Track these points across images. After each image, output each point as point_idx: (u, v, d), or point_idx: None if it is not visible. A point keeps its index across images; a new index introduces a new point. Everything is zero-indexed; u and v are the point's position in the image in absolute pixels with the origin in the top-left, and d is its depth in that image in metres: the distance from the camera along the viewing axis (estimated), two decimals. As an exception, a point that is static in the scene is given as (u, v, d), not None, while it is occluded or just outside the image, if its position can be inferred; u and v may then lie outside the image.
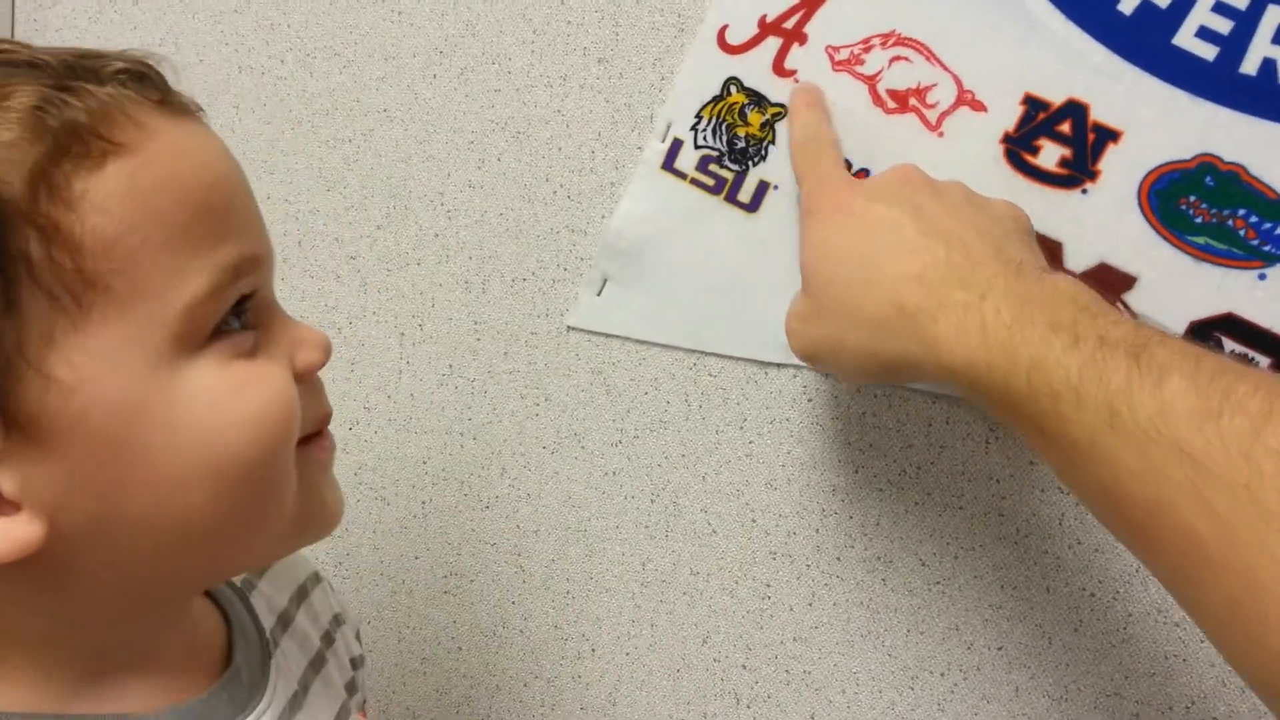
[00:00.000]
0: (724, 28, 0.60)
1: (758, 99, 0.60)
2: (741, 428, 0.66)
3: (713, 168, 0.62)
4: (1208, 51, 0.54)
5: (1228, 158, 0.55)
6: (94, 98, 0.36)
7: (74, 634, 0.40)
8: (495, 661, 0.72)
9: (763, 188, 0.61)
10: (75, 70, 0.37)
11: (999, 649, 0.65)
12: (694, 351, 0.65)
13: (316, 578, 0.59)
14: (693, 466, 0.67)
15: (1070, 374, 0.42)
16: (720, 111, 0.61)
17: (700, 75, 0.61)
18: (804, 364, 0.57)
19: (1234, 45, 0.54)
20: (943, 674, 0.66)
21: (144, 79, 0.39)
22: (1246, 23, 0.53)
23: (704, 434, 0.66)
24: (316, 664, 0.53)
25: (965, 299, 0.47)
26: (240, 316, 0.39)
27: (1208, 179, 0.55)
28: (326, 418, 0.45)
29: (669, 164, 0.62)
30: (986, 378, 0.45)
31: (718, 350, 0.65)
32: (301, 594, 0.56)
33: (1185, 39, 0.54)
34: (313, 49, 0.67)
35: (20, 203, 0.33)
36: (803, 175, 0.59)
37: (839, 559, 0.66)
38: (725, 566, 0.68)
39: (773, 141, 0.61)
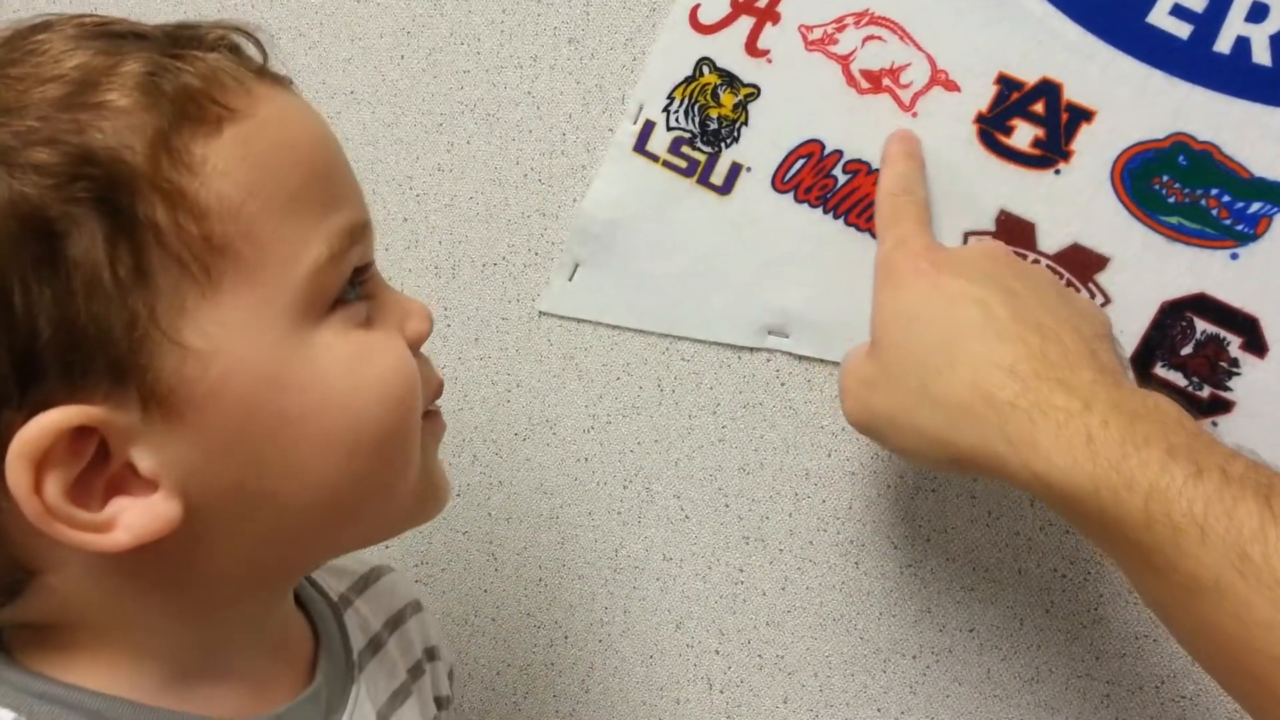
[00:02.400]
0: (696, 7, 0.59)
1: (730, 79, 0.60)
2: (714, 412, 0.65)
3: (685, 150, 0.61)
4: (1181, 30, 0.54)
5: (1201, 137, 0.55)
6: (204, 63, 0.36)
7: (173, 626, 0.39)
8: (467, 650, 0.72)
9: (735, 170, 0.61)
10: (179, 40, 0.37)
11: (971, 631, 0.65)
12: (666, 336, 0.65)
13: (417, 606, 0.57)
14: (665, 452, 0.66)
15: (1195, 508, 0.40)
16: (693, 92, 0.60)
17: (672, 56, 0.60)
18: (856, 427, 0.54)
19: (1208, 23, 0.54)
20: (915, 656, 0.66)
21: (240, 49, 0.39)
22: (1220, 1, 0.54)
23: (677, 419, 0.66)
24: (400, 695, 0.51)
25: (1068, 405, 0.44)
26: (356, 287, 0.39)
27: (1181, 158, 0.55)
28: (439, 388, 0.45)
29: (641, 146, 0.62)
30: (1092, 496, 0.42)
31: (690, 334, 0.64)
32: (398, 620, 0.54)
33: (1159, 17, 0.54)
34: (277, 30, 0.66)
35: (145, 169, 0.33)
36: (884, 229, 0.56)
37: (811, 543, 0.66)
38: (698, 552, 0.67)
39: (745, 123, 0.60)
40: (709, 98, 0.60)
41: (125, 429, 0.34)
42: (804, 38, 0.58)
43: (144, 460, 0.34)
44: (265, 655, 0.43)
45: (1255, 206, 0.55)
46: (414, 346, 0.42)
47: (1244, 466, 0.41)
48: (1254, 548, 0.38)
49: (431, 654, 0.57)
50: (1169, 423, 0.43)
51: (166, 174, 0.33)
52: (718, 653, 0.68)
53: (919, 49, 0.57)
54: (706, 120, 0.61)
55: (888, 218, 0.56)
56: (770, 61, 0.59)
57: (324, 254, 0.37)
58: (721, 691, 0.69)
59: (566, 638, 0.70)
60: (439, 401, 0.46)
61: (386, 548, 0.71)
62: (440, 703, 0.57)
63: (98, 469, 0.34)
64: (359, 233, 0.39)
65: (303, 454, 0.37)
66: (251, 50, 0.40)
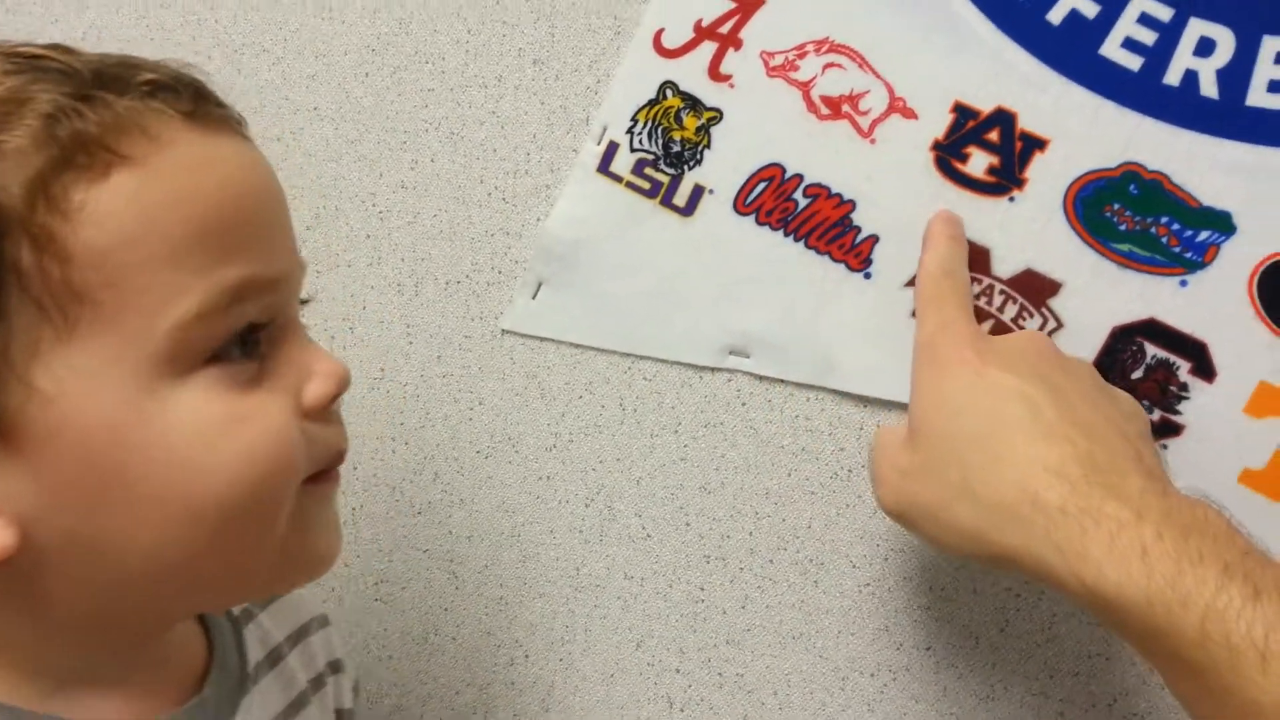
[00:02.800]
0: (660, 31, 0.60)
1: (693, 103, 0.60)
2: (676, 432, 0.66)
3: (648, 171, 0.62)
4: (1133, 62, 0.56)
5: (1151, 166, 0.56)
6: (110, 110, 0.35)
7: (41, 646, 0.39)
8: (427, 669, 0.71)
9: (698, 192, 0.61)
10: (103, 79, 0.36)
11: (927, 649, 0.66)
12: (629, 355, 0.65)
13: (324, 620, 0.57)
14: (627, 470, 0.67)
15: (1255, 632, 0.39)
16: (656, 115, 0.61)
17: (636, 78, 0.61)
18: (890, 515, 0.53)
19: (1158, 56, 0.55)
20: (873, 674, 0.67)
21: (174, 90, 0.38)
22: (1170, 34, 0.55)
23: (638, 438, 0.66)
24: (296, 706, 0.50)
25: (1119, 515, 0.43)
26: (246, 345, 0.38)
27: (1132, 187, 0.57)
28: (340, 455, 0.42)
29: (604, 167, 0.62)
30: (1146, 612, 0.42)
31: (653, 354, 0.65)
32: (301, 634, 0.54)
33: (1111, 49, 0.56)
34: (240, 45, 0.66)
35: (19, 210, 0.33)
36: (925, 312, 0.55)
37: (771, 561, 0.66)
38: (659, 570, 0.68)
39: (708, 146, 0.61)
40: (672, 120, 0.61)
41: None
42: (765, 64, 0.59)
43: None
44: (149, 669, 0.43)
45: (1204, 235, 0.56)
46: (311, 412, 0.40)
47: None
48: None
49: (335, 667, 0.57)
50: (1222, 538, 0.43)
51: (40, 218, 0.33)
52: (678, 671, 0.69)
53: (877, 77, 0.58)
54: (670, 142, 0.61)
55: (931, 298, 0.55)
56: (733, 86, 0.60)
57: (191, 309, 0.35)
58: (682, 710, 0.69)
59: (527, 656, 0.70)
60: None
61: (347, 565, 0.71)
62: (341, 715, 0.57)
63: None
64: (249, 290, 0.37)
65: (138, 515, 0.36)
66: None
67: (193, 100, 0.38)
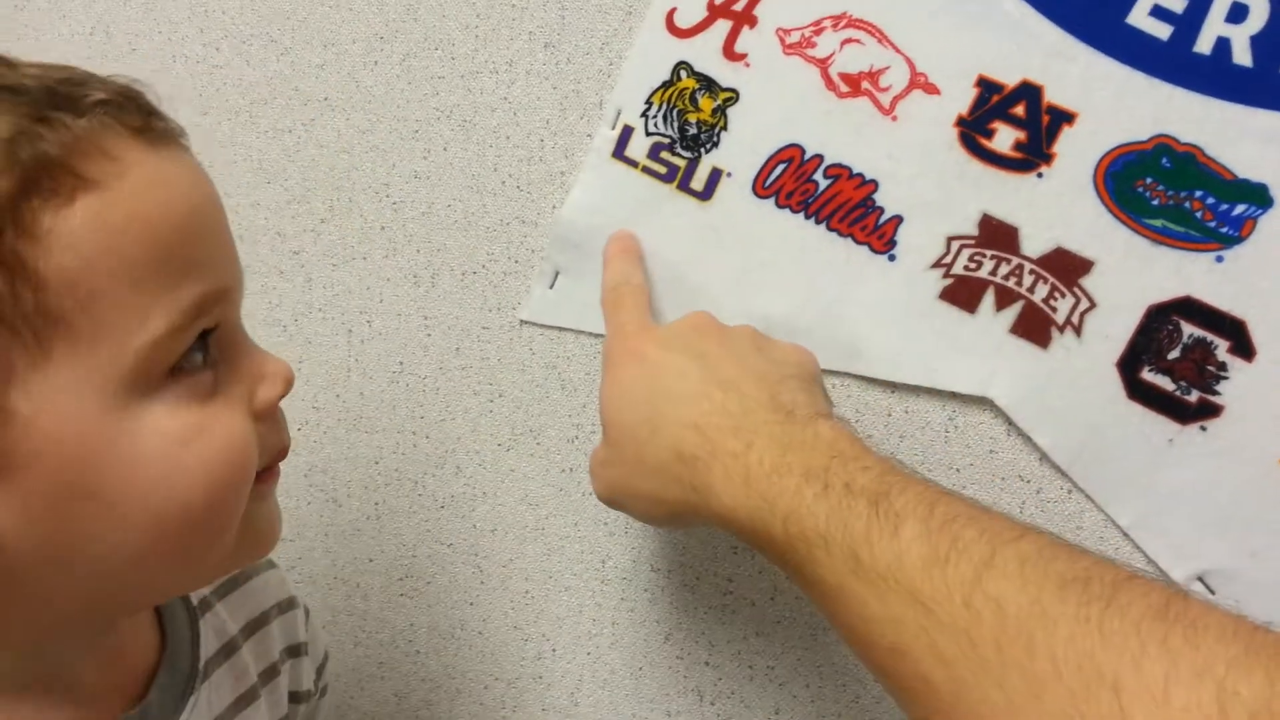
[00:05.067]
0: (672, 10, 0.58)
1: (708, 84, 0.59)
2: (699, 420, 0.64)
3: (664, 155, 0.60)
4: (1162, 30, 0.53)
5: (1183, 139, 0.54)
6: (69, 131, 0.35)
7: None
8: (454, 664, 0.71)
9: (716, 175, 0.60)
10: (56, 97, 0.36)
11: (962, 638, 0.65)
12: (649, 343, 0.64)
13: (288, 604, 0.57)
14: (650, 460, 0.66)
15: (820, 522, 0.44)
16: (671, 97, 0.60)
17: (649, 60, 0.59)
18: (604, 503, 0.57)
19: (1188, 24, 0.53)
20: (906, 665, 0.65)
21: (124, 107, 0.38)
22: (1200, 1, 0.53)
23: (661, 427, 0.65)
24: (246, 699, 0.51)
25: (734, 447, 0.48)
26: (204, 350, 0.39)
27: (1164, 160, 0.55)
28: (283, 452, 0.44)
29: (620, 152, 0.61)
30: (750, 525, 0.47)
31: (673, 342, 0.63)
32: (259, 623, 0.54)
33: (1139, 18, 0.53)
34: (249, 36, 0.65)
35: None
36: (606, 321, 0.59)
37: (800, 551, 0.65)
38: (686, 562, 0.67)
39: (725, 128, 0.59)
40: (687, 102, 0.59)
41: None
42: (782, 41, 0.58)
43: None
44: (97, 670, 0.43)
45: (1240, 209, 0.54)
46: (262, 414, 0.42)
47: (870, 478, 0.45)
48: (862, 549, 0.42)
49: (294, 651, 0.57)
50: (819, 448, 0.47)
51: (10, 244, 0.33)
52: (708, 664, 0.68)
53: (898, 52, 0.56)
54: (685, 125, 0.60)
55: (608, 309, 0.59)
56: (748, 65, 0.58)
57: (162, 329, 0.36)
58: (712, 703, 0.68)
59: (555, 650, 0.70)
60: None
61: (371, 561, 0.70)
62: (298, 697, 0.57)
63: None
64: (208, 303, 0.38)
65: (106, 525, 0.37)
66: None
67: (141, 116, 0.38)
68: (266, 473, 0.43)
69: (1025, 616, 0.37)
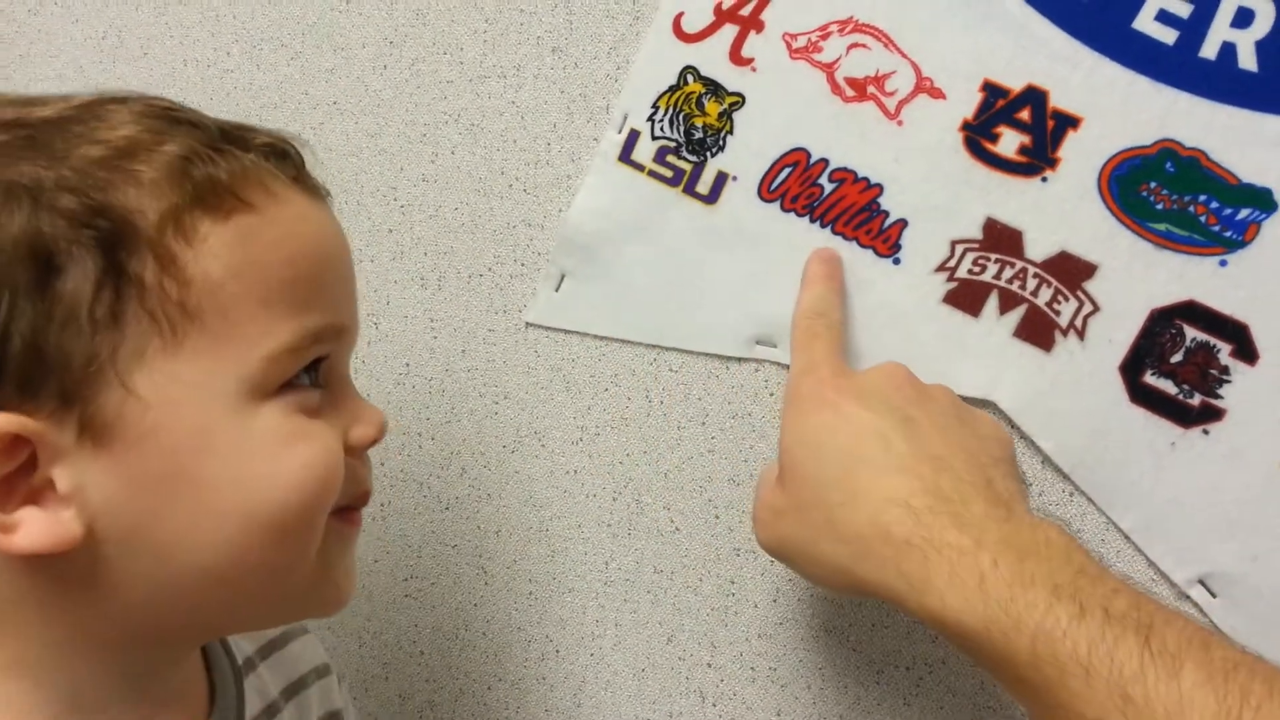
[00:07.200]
0: (680, 15, 0.59)
1: (715, 88, 0.59)
2: (703, 423, 0.65)
3: (670, 159, 0.61)
4: (1167, 35, 0.54)
5: (1188, 143, 0.55)
6: (238, 162, 0.41)
7: (68, 654, 0.41)
8: (458, 665, 0.71)
9: (721, 179, 0.60)
10: (228, 135, 0.42)
11: (965, 642, 0.65)
12: (654, 346, 0.64)
13: (324, 670, 0.58)
14: (655, 463, 0.66)
15: (1079, 649, 0.41)
16: (677, 101, 0.60)
17: (656, 64, 0.60)
18: (768, 553, 0.55)
19: (1193, 29, 0.53)
20: (908, 668, 0.66)
21: (284, 156, 0.43)
22: (1206, 6, 0.53)
23: (665, 430, 0.65)
24: None
25: (959, 543, 0.45)
26: (311, 374, 0.42)
27: (1168, 165, 0.55)
28: (365, 496, 0.47)
29: (626, 156, 0.61)
30: (984, 636, 0.44)
31: (678, 345, 0.64)
32: (298, 686, 0.55)
33: (1145, 23, 0.54)
34: (259, 40, 0.65)
35: (150, 233, 0.38)
36: (795, 353, 0.57)
37: (804, 554, 0.65)
38: (689, 564, 0.67)
39: (731, 131, 0.60)
40: (694, 106, 0.60)
41: (57, 448, 0.37)
42: (788, 46, 0.58)
43: (64, 480, 0.37)
44: (154, 705, 0.44)
45: (1244, 213, 0.54)
46: (356, 450, 0.45)
47: (1126, 604, 0.43)
48: (1135, 689, 0.40)
49: (333, 717, 0.58)
50: (1057, 559, 0.45)
51: (167, 242, 0.38)
52: (710, 665, 0.68)
53: (904, 56, 0.57)
54: (691, 129, 0.60)
55: (800, 341, 0.58)
56: (755, 70, 0.59)
57: (285, 343, 0.40)
58: (714, 705, 0.68)
59: (558, 652, 0.70)
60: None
61: (376, 562, 0.70)
62: None
63: (22, 476, 0.37)
64: (327, 335, 0.42)
65: (197, 519, 0.39)
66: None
67: (297, 167, 0.44)
68: (350, 512, 0.46)
69: None
